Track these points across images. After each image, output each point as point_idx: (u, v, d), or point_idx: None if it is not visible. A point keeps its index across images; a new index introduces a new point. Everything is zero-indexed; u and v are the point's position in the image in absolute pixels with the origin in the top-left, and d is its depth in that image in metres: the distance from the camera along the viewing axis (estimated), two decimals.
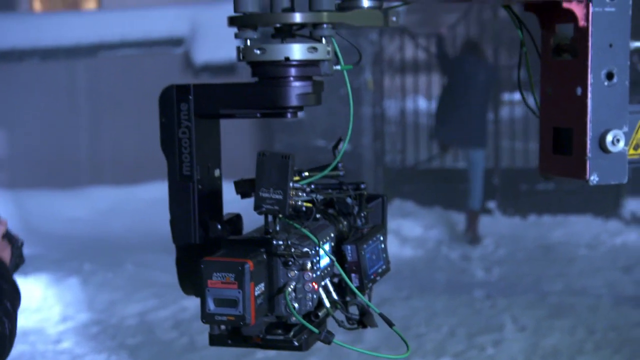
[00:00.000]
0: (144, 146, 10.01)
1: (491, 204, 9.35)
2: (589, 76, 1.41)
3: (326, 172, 1.42)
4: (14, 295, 1.96)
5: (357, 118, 9.46)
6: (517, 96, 9.91)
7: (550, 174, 1.52)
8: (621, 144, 1.41)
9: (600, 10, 1.40)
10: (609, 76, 1.41)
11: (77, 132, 10.36)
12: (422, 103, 10.25)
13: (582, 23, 1.41)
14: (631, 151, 1.45)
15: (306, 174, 1.41)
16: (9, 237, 2.08)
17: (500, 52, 9.58)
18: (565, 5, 1.41)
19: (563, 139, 1.45)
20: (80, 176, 10.42)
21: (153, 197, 9.64)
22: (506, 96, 9.90)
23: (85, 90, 10.33)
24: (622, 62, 1.41)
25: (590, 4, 1.40)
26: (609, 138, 1.40)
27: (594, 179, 1.42)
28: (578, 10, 1.41)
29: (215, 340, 1.39)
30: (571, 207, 9.08)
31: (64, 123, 10.25)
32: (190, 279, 1.44)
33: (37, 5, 17.45)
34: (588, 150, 1.41)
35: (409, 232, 8.60)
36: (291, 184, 1.32)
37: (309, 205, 1.38)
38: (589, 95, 1.41)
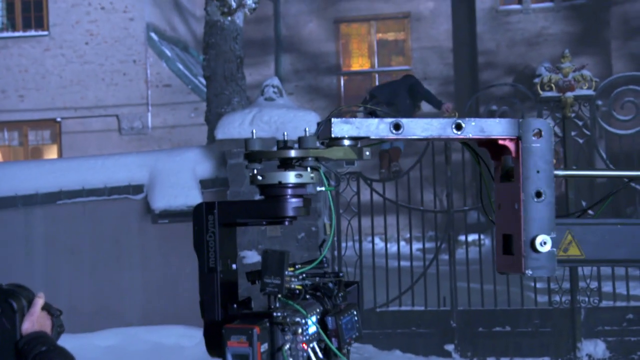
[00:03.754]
0: (100, 293, 9.97)
1: (449, 347, 9.32)
2: (522, 195, 1.83)
3: (314, 264, 1.96)
4: None
5: None
6: (470, 237, 10.25)
7: (502, 270, 1.93)
8: (548, 246, 1.82)
9: (527, 145, 1.84)
10: (538, 195, 1.83)
11: (32, 279, 10.26)
12: (379, 244, 10.54)
13: (514, 155, 1.85)
14: (560, 253, 1.87)
15: (299, 266, 1.93)
16: (47, 308, 2.37)
17: (454, 194, 9.84)
18: (501, 142, 1.85)
19: (508, 242, 1.88)
20: None
21: (109, 344, 9.59)
22: (462, 237, 10.15)
23: (42, 237, 10.26)
24: (548, 183, 1.84)
25: (520, 141, 1.83)
26: (538, 241, 1.82)
27: (528, 272, 1.83)
28: (511, 145, 1.85)
29: None
30: (528, 350, 9.12)
31: (19, 271, 10.17)
32: (215, 344, 1.88)
33: None
34: (523, 251, 1.83)
35: None
36: (286, 272, 1.84)
37: (300, 288, 1.90)
38: (522, 209, 1.83)
